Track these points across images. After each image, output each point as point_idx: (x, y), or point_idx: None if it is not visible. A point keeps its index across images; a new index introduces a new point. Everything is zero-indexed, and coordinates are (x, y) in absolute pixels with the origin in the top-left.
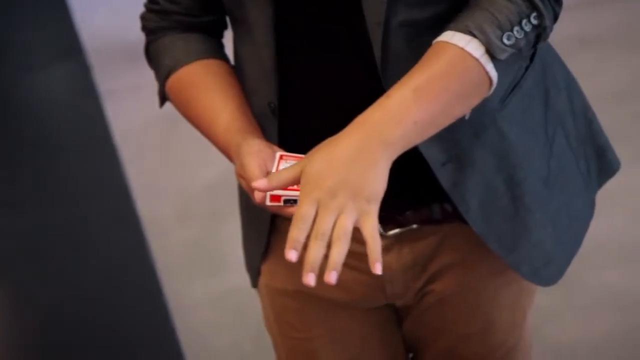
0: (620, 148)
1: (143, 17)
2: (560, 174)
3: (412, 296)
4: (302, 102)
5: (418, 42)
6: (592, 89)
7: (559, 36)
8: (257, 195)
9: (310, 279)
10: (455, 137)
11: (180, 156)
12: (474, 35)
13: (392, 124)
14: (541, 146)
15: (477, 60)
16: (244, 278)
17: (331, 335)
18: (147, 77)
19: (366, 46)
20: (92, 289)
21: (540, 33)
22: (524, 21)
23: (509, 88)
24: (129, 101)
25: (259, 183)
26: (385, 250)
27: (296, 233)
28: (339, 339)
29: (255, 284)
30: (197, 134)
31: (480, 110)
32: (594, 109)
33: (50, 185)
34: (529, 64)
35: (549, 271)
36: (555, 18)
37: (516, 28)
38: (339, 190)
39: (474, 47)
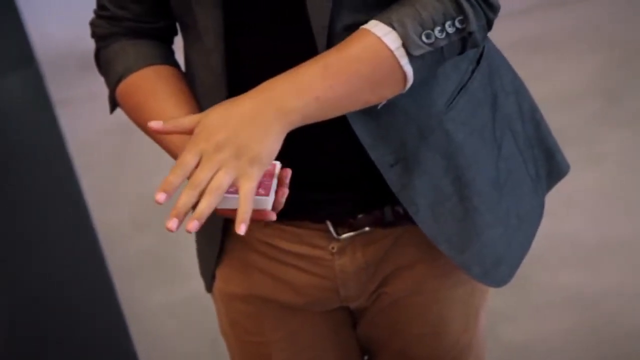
0: (575, 150)
1: (93, 24)
2: (510, 176)
3: (366, 298)
4: None
5: None
6: (547, 91)
7: (514, 39)
8: None
9: (172, 224)
10: (402, 139)
11: (137, 164)
12: (393, 28)
13: (293, 94)
14: (489, 148)
15: (391, 52)
16: (202, 285)
17: (286, 339)
18: (102, 86)
19: (313, 51)
20: (46, 296)
21: (466, 38)
22: (448, 23)
23: (456, 90)
24: (84, 110)
25: (154, 123)
26: (339, 253)
27: (171, 177)
28: (294, 342)
29: (209, 288)
30: (153, 143)
31: (426, 112)
32: (549, 111)
33: (3, 194)
34: (476, 66)
35: (499, 272)
36: (489, 24)
37: (438, 28)
38: (225, 146)
39: (391, 39)
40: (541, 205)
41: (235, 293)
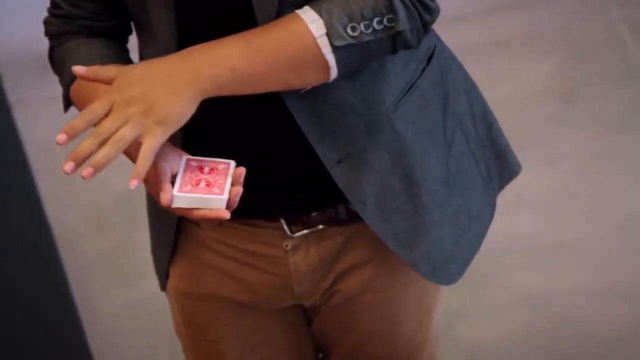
0: (532, 150)
1: (46, 22)
2: (460, 175)
3: (320, 296)
4: (209, 107)
5: None
6: (505, 91)
7: (473, 40)
8: (163, 198)
9: (68, 167)
10: (348, 136)
11: None
12: (321, 16)
13: (210, 64)
14: (439, 147)
15: (314, 39)
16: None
17: (240, 337)
18: (57, 90)
19: None
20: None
21: (395, 37)
22: (377, 19)
23: (405, 88)
24: (43, 112)
25: (77, 67)
26: (293, 251)
27: (76, 121)
28: (248, 340)
29: (163, 287)
30: None
31: (374, 110)
32: (507, 111)
33: None
34: (426, 65)
35: (448, 270)
36: (425, 26)
37: (365, 22)
38: (137, 101)
39: (316, 27)
40: (492, 205)
41: (188, 291)
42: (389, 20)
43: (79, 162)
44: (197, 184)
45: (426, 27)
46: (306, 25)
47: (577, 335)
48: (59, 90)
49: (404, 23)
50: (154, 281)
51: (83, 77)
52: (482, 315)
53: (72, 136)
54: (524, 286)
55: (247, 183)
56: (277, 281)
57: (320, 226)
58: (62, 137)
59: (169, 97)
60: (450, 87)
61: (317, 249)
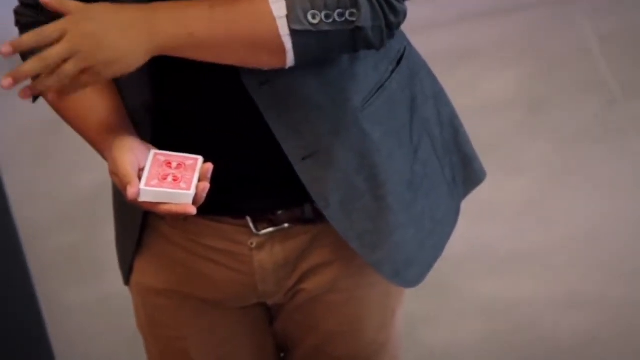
0: (497, 159)
1: (17, 12)
2: (426, 179)
3: (284, 295)
4: (177, 102)
5: None
6: (471, 100)
7: (441, 48)
8: (130, 192)
9: (5, 82)
10: (315, 133)
11: (60, 161)
12: None
13: (171, 23)
14: (405, 150)
15: (274, 19)
16: (119, 285)
17: (202, 335)
18: (25, 82)
19: None
20: None
21: (356, 32)
22: (339, 11)
23: (374, 89)
24: (6, 105)
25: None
26: (258, 249)
27: (25, 37)
28: (211, 337)
29: (127, 281)
30: (78, 139)
31: (341, 108)
32: (472, 119)
33: None
34: (395, 67)
35: (410, 273)
36: (389, 27)
37: (326, 12)
38: (88, 37)
39: (277, 7)
40: (456, 211)
41: (152, 287)
42: (351, 15)
43: (18, 80)
44: (165, 179)
45: (390, 27)
46: (268, 5)
47: (536, 343)
48: (24, 81)
49: (365, 19)
50: (115, 279)
51: (48, 6)
52: (444, 320)
53: (16, 49)
54: (485, 293)
55: (214, 179)
56: (241, 279)
57: (286, 225)
58: (6, 47)
59: (121, 41)
60: (418, 91)
61: (282, 247)
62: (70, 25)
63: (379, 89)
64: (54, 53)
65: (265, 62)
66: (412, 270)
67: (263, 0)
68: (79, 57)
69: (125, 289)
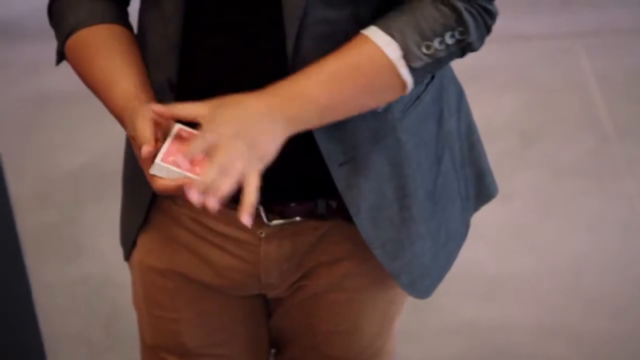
0: None
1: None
2: (444, 192)
3: (286, 289)
4: (203, 82)
5: (329, 42)
6: None
7: None
8: (144, 150)
9: (212, 203)
10: (355, 140)
11: (45, 139)
12: (394, 38)
13: (296, 101)
14: (431, 162)
15: (392, 62)
16: (98, 266)
17: (198, 319)
18: (15, 55)
19: (278, 37)
20: None
21: (465, 47)
22: (448, 34)
23: (411, 100)
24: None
25: (157, 107)
26: (266, 239)
27: (192, 147)
28: (206, 323)
29: (127, 257)
30: (65, 118)
31: (382, 117)
32: None
33: None
34: (430, 80)
35: (424, 284)
36: (488, 30)
37: (438, 39)
38: (240, 137)
39: (391, 49)
40: (467, 226)
41: (154, 266)
42: (460, 33)
43: (209, 194)
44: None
45: (489, 30)
46: (381, 50)
47: None
48: (11, 55)
49: (474, 34)
50: (92, 261)
51: (165, 114)
52: (426, 337)
53: (185, 161)
54: (467, 313)
55: None
56: (245, 267)
57: (298, 218)
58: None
59: (266, 135)
60: (445, 105)
61: (290, 240)
62: (221, 129)
63: (415, 100)
64: (228, 159)
65: (387, 100)
66: (425, 282)
67: (370, 46)
68: (245, 157)
69: (103, 271)
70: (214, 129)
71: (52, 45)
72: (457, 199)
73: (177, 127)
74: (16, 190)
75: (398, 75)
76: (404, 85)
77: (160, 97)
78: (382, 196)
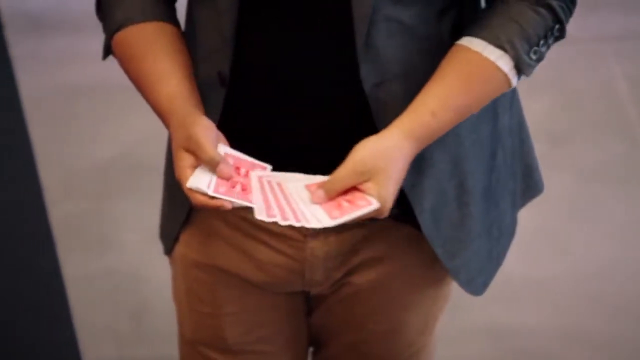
0: None
1: None
2: (497, 188)
3: (329, 286)
4: (258, 77)
5: (398, 38)
6: None
7: None
8: (225, 170)
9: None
10: None
11: (74, 131)
12: (505, 50)
13: (428, 137)
14: (487, 158)
15: (505, 74)
16: (122, 260)
17: (239, 315)
18: (45, 47)
19: (343, 32)
20: None
21: (559, 39)
22: (549, 34)
23: None
24: (23, 70)
25: (319, 196)
26: (312, 236)
27: (363, 214)
28: (247, 319)
29: (169, 251)
30: (95, 111)
31: None
32: None
33: None
34: None
35: (479, 282)
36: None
37: (542, 42)
38: (397, 185)
39: (504, 62)
40: (515, 222)
41: (197, 261)
42: (558, 30)
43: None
44: (233, 187)
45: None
46: (493, 64)
47: None
48: (43, 47)
49: (566, 27)
50: (116, 254)
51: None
52: (450, 338)
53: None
54: (492, 316)
55: (281, 163)
56: (290, 264)
57: None
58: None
59: (401, 177)
60: (500, 100)
61: (337, 238)
62: (382, 204)
63: None
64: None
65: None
66: (480, 279)
67: (479, 60)
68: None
69: (128, 264)
70: (380, 195)
71: (82, 37)
72: (508, 195)
73: (223, 150)
74: (44, 181)
75: (509, 83)
76: (510, 86)
77: (209, 91)
78: (443, 194)
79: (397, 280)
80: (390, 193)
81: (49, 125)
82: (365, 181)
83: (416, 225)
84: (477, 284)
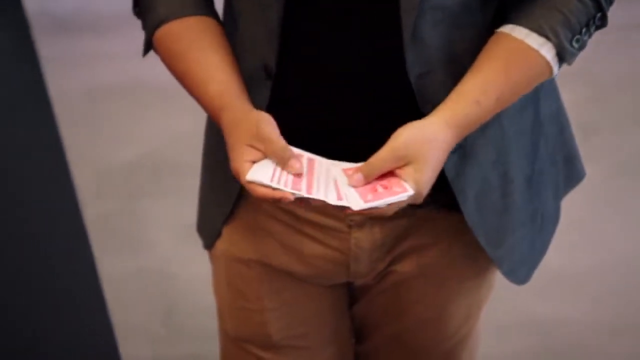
0: None
1: None
2: (540, 177)
3: (374, 276)
4: (304, 69)
5: (442, 27)
6: None
7: None
8: (295, 165)
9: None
10: None
11: (101, 131)
12: (548, 38)
13: (470, 126)
14: (529, 147)
15: (547, 62)
16: (153, 259)
17: (282, 309)
18: (72, 48)
19: (389, 24)
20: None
21: (598, 28)
22: (590, 22)
23: None
24: (52, 72)
25: (357, 179)
26: (357, 227)
27: (398, 204)
28: (291, 314)
29: (209, 245)
30: (122, 111)
31: None
32: None
33: None
34: None
35: (522, 271)
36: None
37: (584, 30)
38: (434, 173)
39: (547, 50)
40: (559, 210)
41: (239, 256)
42: (600, 19)
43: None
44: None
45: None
46: (536, 51)
47: None
48: (74, 49)
49: (607, 14)
50: (147, 254)
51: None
52: (489, 332)
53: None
54: (531, 309)
55: (327, 153)
56: (334, 256)
57: None
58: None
59: (439, 165)
60: (541, 88)
61: (381, 228)
62: (418, 191)
63: None
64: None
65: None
66: (523, 269)
67: (522, 48)
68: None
69: (157, 263)
70: (416, 180)
71: (109, 38)
72: (550, 184)
73: (307, 157)
74: (75, 182)
75: (551, 71)
76: (551, 75)
77: (254, 84)
78: (486, 183)
79: (442, 268)
80: (426, 179)
81: (75, 127)
82: (404, 165)
83: (460, 215)
84: (520, 274)
